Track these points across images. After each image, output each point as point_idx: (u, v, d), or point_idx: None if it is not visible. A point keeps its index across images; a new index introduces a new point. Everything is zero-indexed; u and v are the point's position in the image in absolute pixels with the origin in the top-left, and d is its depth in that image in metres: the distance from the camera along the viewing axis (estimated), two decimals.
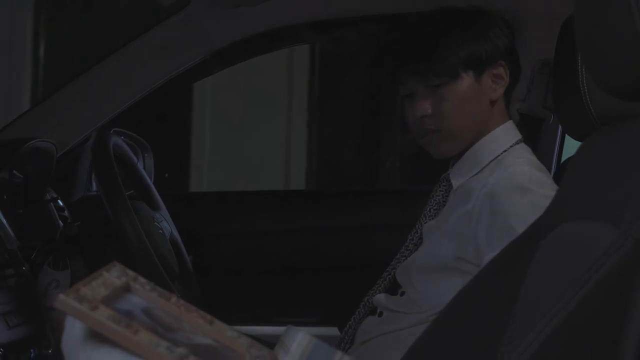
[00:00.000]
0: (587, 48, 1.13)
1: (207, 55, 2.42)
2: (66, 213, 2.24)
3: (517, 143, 1.80)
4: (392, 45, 1.86)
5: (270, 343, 1.17)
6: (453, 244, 1.72)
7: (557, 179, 1.71)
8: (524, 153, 1.78)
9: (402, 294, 1.81)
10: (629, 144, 1.13)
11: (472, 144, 1.80)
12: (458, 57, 1.75)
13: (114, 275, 0.98)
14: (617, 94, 1.10)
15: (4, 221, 1.92)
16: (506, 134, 1.80)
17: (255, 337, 1.04)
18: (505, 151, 1.78)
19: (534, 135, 2.19)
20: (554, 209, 1.29)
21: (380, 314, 1.84)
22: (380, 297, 1.84)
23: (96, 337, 0.91)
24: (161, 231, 2.15)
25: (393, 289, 1.85)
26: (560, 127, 2.26)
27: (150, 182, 2.33)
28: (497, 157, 1.77)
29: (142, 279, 1.00)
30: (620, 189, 1.07)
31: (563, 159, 2.29)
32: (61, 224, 2.17)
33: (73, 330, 0.93)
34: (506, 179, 1.69)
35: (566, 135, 2.26)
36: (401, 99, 1.84)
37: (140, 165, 2.35)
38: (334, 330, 2.36)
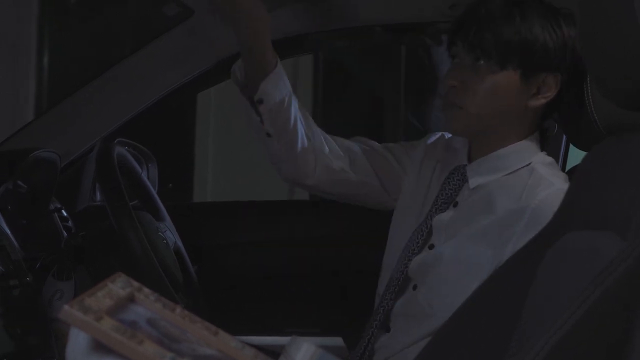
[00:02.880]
0: (592, 58, 1.13)
1: (211, 65, 2.42)
2: (70, 223, 2.24)
3: (541, 153, 1.75)
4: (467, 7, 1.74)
5: (274, 353, 1.17)
6: (489, 254, 1.66)
7: None
8: (554, 163, 1.74)
9: (415, 287, 1.77)
10: (634, 153, 1.13)
11: (491, 142, 1.74)
12: (514, 46, 1.65)
13: (118, 286, 0.98)
14: (622, 104, 1.10)
15: (8, 232, 1.92)
16: (533, 145, 1.74)
17: (259, 347, 1.04)
18: (529, 163, 1.72)
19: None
20: (560, 218, 1.29)
21: (389, 329, 1.81)
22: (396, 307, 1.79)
23: (101, 347, 0.91)
24: (165, 241, 2.15)
25: (404, 286, 1.81)
26: (564, 136, 2.26)
27: (154, 192, 2.33)
28: (524, 166, 1.72)
29: (146, 290, 1.00)
30: (625, 199, 1.07)
31: (567, 168, 2.28)
32: (65, 234, 2.17)
33: (78, 341, 0.92)
34: (557, 200, 1.64)
35: (570, 144, 2.26)
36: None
37: (144, 176, 2.35)
38: (338, 340, 2.35)
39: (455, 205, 1.77)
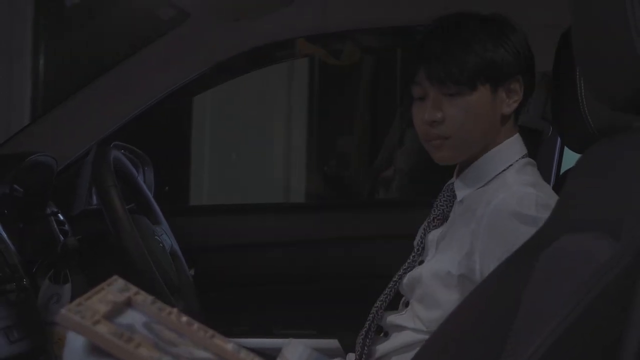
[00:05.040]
0: (585, 61, 1.14)
1: (207, 69, 2.42)
2: (67, 227, 2.24)
3: (522, 157, 1.78)
4: (415, 45, 1.80)
5: (270, 355, 1.17)
6: (457, 261, 1.70)
7: (556, 190, 1.70)
8: (529, 170, 1.76)
9: (407, 304, 1.80)
10: (627, 155, 1.14)
11: (477, 155, 1.78)
12: (479, 68, 1.72)
13: (115, 290, 0.98)
14: (615, 106, 1.10)
15: (5, 235, 1.92)
16: (513, 148, 1.78)
17: (255, 350, 1.04)
18: (510, 165, 1.76)
19: (534, 147, 2.20)
20: (554, 221, 1.29)
21: (386, 334, 1.82)
22: (390, 318, 1.81)
23: (98, 351, 0.91)
24: (161, 245, 2.15)
25: (395, 302, 1.83)
26: (559, 138, 2.27)
27: (150, 195, 2.33)
28: (503, 170, 1.76)
29: (143, 293, 1.00)
30: (619, 201, 1.07)
31: (562, 170, 2.29)
32: (62, 238, 2.17)
33: (75, 345, 0.93)
34: (510, 203, 1.66)
35: (565, 146, 2.26)
36: (410, 100, 1.81)
37: (140, 179, 2.35)
38: (334, 342, 2.35)
39: (447, 220, 1.80)
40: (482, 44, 1.73)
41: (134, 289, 1.00)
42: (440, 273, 1.72)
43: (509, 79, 1.75)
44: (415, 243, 1.85)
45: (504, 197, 1.68)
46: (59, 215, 2.24)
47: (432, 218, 1.83)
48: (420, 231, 1.85)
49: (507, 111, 1.76)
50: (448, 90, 1.73)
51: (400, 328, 1.79)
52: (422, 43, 1.77)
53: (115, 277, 1.01)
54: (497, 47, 1.73)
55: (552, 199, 1.64)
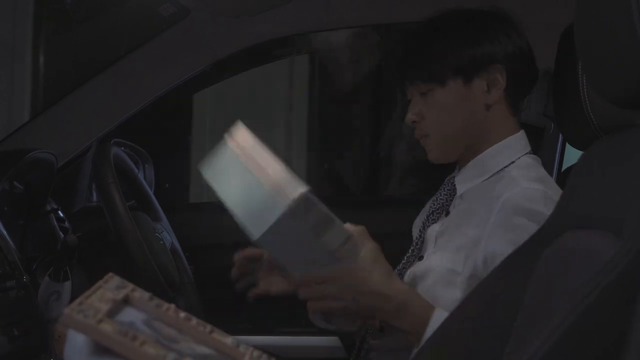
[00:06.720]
0: (587, 57, 1.13)
1: (207, 66, 2.42)
2: (67, 224, 2.24)
3: (526, 154, 1.77)
4: (395, 52, 1.83)
5: (271, 353, 1.17)
6: (461, 259, 1.68)
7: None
8: (534, 166, 1.75)
9: None
10: (629, 152, 1.13)
11: (474, 150, 1.77)
12: (446, 63, 1.71)
13: (112, 287, 0.98)
14: (617, 103, 1.10)
15: (5, 232, 1.92)
16: (517, 144, 1.76)
17: (256, 347, 1.04)
18: (513, 162, 1.74)
19: (535, 144, 2.19)
20: (557, 218, 1.29)
21: (382, 329, 1.81)
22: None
23: (99, 348, 0.91)
24: (162, 241, 2.15)
25: None
26: (561, 135, 2.26)
27: (150, 192, 2.33)
28: (505, 167, 1.74)
29: (140, 290, 1.00)
30: (621, 199, 1.07)
31: (564, 167, 2.28)
32: (62, 235, 2.17)
33: (76, 343, 0.92)
34: (519, 199, 1.64)
35: (567, 143, 2.26)
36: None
37: (140, 176, 2.35)
38: (335, 340, 2.35)
39: (447, 214, 1.79)
40: (449, 39, 1.73)
41: (130, 285, 1.00)
42: (442, 271, 1.71)
43: (485, 68, 1.73)
44: (414, 237, 1.84)
45: (513, 193, 1.66)
46: (59, 212, 2.23)
47: (431, 212, 1.82)
48: (419, 225, 1.84)
49: (489, 101, 1.74)
50: (420, 89, 1.75)
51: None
52: (400, 50, 1.80)
53: (110, 274, 1.01)
54: (468, 44, 1.72)
55: (559, 194, 1.63)
